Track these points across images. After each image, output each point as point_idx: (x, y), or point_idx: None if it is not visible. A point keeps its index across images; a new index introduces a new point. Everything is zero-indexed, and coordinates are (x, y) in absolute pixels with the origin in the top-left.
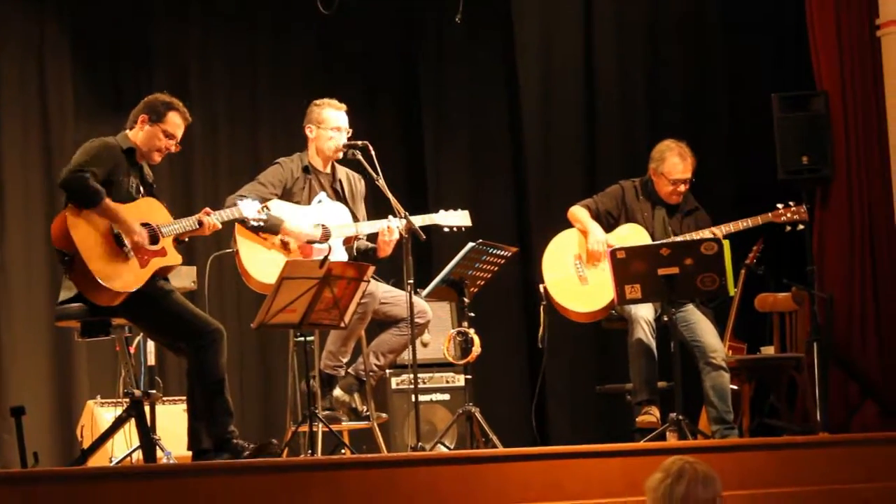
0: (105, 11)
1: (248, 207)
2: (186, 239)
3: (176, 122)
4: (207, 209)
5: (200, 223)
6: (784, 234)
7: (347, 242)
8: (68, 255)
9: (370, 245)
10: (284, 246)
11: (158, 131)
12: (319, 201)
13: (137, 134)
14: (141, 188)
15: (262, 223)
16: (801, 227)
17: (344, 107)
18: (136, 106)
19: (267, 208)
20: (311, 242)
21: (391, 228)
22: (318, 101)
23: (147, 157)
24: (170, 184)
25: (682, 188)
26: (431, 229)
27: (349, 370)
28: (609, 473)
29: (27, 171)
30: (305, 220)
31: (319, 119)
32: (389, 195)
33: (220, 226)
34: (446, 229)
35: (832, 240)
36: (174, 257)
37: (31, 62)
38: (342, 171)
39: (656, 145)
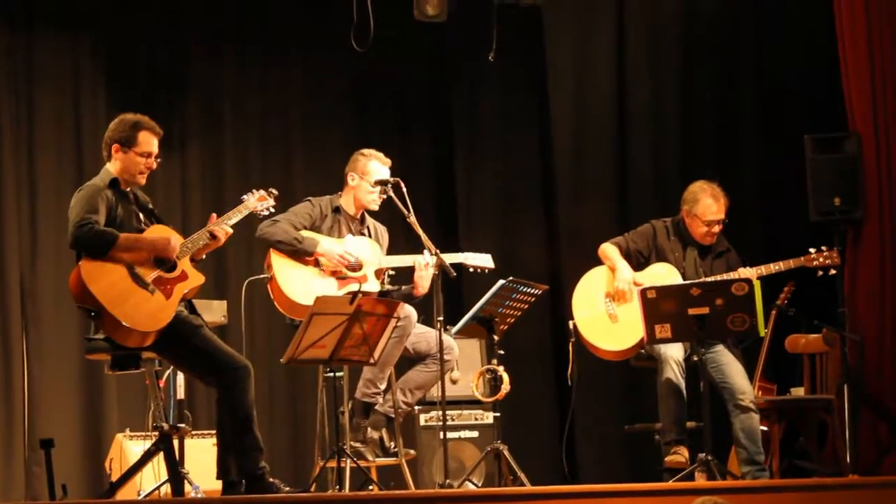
0: (140, 45)
1: (252, 198)
2: (203, 257)
3: (148, 140)
4: (213, 214)
5: (213, 235)
6: (815, 276)
7: (378, 276)
8: (94, 310)
9: (405, 288)
10: (317, 264)
11: (134, 156)
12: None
13: (115, 164)
14: (141, 216)
15: (271, 210)
16: (832, 271)
17: (389, 161)
18: (105, 133)
19: (273, 193)
20: (343, 273)
21: (426, 262)
22: (364, 151)
23: (131, 182)
24: (201, 215)
25: (716, 229)
26: (463, 267)
27: (377, 408)
28: None
29: (60, 203)
30: (336, 246)
31: (364, 170)
32: (420, 232)
33: (231, 231)
34: (471, 269)
35: (864, 281)
36: (196, 278)
37: (67, 95)
38: (370, 220)
39: (688, 187)
